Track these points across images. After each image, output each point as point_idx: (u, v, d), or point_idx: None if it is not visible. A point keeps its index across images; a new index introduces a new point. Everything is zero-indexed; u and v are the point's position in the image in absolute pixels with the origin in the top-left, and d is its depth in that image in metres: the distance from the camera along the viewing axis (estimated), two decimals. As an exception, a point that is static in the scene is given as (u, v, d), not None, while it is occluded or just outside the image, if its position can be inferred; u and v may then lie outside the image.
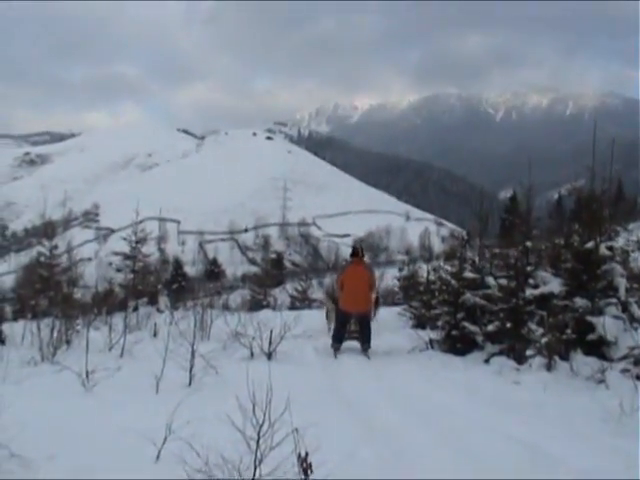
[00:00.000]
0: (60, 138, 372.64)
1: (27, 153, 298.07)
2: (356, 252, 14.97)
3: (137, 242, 32.57)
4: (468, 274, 13.01)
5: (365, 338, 14.08)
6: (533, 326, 10.75)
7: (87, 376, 8.85)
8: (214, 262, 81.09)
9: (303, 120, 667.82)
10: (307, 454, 4.71)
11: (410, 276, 28.50)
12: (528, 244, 11.91)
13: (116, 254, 36.41)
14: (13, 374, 9.83)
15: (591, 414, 7.45)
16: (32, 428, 6.29)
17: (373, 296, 15.08)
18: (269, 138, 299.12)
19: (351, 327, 14.68)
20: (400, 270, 30.84)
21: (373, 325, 14.88)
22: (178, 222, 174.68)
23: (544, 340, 10.01)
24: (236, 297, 40.93)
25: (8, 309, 30.19)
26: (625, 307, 10.19)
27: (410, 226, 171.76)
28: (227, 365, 10.34)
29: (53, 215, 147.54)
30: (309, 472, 4.62)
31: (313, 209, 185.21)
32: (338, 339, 14.21)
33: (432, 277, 19.11)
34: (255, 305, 35.55)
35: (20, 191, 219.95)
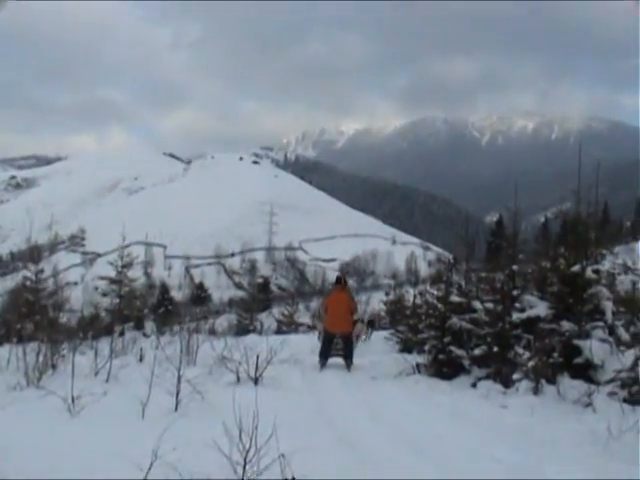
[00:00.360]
0: (46, 162, 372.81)
1: (13, 177, 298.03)
2: (339, 280, 16.95)
3: (123, 266, 32.57)
4: (454, 298, 13.03)
5: (348, 354, 15.68)
6: (520, 350, 10.76)
7: (73, 401, 8.79)
8: (200, 286, 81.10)
9: (289, 144, 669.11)
10: (294, 479, 4.70)
11: (397, 300, 28.49)
12: (514, 268, 11.94)
13: (102, 278, 36.33)
14: (-2, 399, 9.75)
15: (578, 437, 7.45)
16: (17, 453, 6.24)
17: (354, 319, 16.62)
18: (255, 162, 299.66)
19: (337, 345, 16.04)
20: (387, 294, 30.83)
21: (365, 347, 15.29)
22: (164, 246, 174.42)
23: (531, 364, 10.02)
24: (222, 322, 40.85)
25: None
26: (612, 330, 10.21)
27: (396, 250, 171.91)
28: (213, 390, 10.28)
29: (39, 239, 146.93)
30: (296, 497, 4.60)
31: (300, 233, 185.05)
32: (324, 356, 15.66)
33: (418, 301, 19.13)
34: (242, 330, 35.49)
35: (6, 215, 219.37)
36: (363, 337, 21.38)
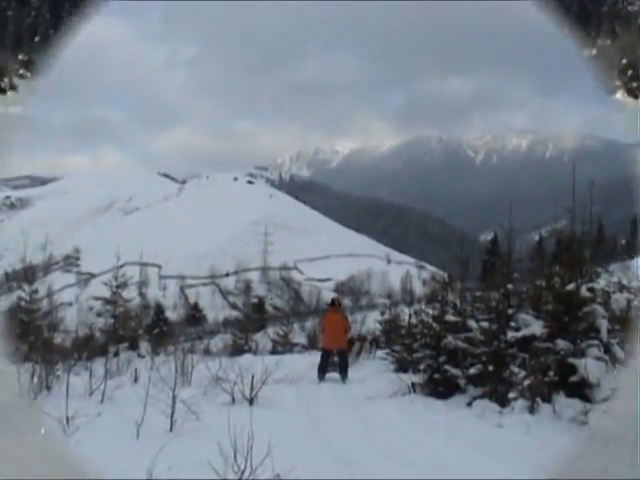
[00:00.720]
0: (41, 182, 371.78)
1: (7, 197, 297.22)
2: (334, 303, 19.00)
3: (118, 287, 32.51)
4: (450, 317, 13.01)
5: (343, 369, 17.18)
6: (515, 369, 10.75)
7: (67, 422, 8.75)
8: (195, 307, 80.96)
9: (284, 164, 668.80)
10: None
11: (392, 320, 28.37)
12: (509, 286, 11.94)
13: (97, 299, 36.41)
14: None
15: (574, 456, 7.42)
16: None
17: (348, 337, 18.58)
18: (250, 182, 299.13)
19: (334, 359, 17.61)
20: (382, 314, 30.78)
21: (360, 367, 18.41)
22: (159, 267, 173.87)
23: (526, 382, 10.01)
24: (217, 342, 40.73)
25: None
26: (607, 348, 10.22)
27: (391, 269, 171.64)
28: (208, 410, 10.24)
29: (33, 259, 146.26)
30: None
31: (294, 253, 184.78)
32: (322, 370, 17.11)
33: (414, 320, 19.15)
34: (237, 350, 35.29)
35: (0, 235, 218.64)
36: (364, 353, 21.65)
